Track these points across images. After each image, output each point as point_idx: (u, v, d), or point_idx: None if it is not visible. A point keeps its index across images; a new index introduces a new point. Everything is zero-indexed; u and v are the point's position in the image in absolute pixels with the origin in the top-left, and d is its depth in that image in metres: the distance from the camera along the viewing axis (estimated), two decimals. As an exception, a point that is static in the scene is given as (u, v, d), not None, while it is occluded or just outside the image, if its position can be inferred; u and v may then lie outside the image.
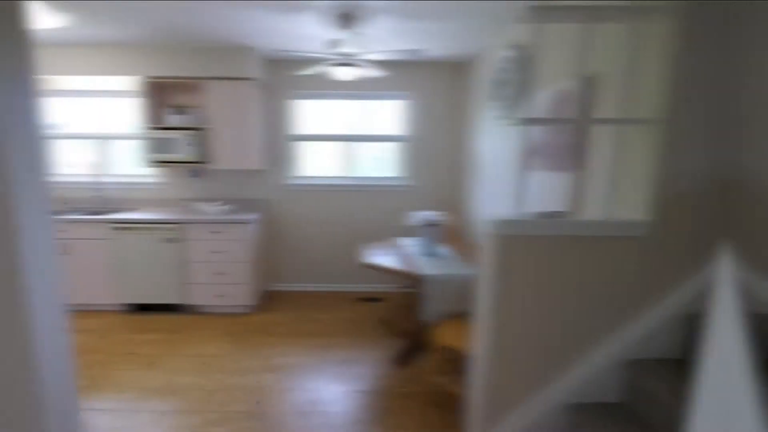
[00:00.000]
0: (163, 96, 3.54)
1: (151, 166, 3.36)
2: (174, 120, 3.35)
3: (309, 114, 3.85)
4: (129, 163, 3.75)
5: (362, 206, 3.92)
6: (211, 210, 3.27)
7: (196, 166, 3.53)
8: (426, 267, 2.50)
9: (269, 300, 3.74)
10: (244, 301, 3.34)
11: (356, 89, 3.65)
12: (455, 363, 2.59)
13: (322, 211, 3.90)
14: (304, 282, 4.04)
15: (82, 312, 3.31)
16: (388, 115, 3.90)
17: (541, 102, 2.32)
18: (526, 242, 1.53)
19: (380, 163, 4.00)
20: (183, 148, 3.24)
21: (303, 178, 3.91)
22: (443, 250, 2.92)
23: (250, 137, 3.35)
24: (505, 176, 2.82)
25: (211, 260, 3.23)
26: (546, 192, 2.31)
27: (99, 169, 3.67)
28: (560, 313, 1.60)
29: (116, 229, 3.15)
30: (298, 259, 4.00)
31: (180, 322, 3.20)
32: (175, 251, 3.20)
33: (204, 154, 3.38)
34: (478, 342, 1.72)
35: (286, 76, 3.60)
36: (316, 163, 3.94)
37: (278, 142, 3.75)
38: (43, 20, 2.51)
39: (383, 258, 2.72)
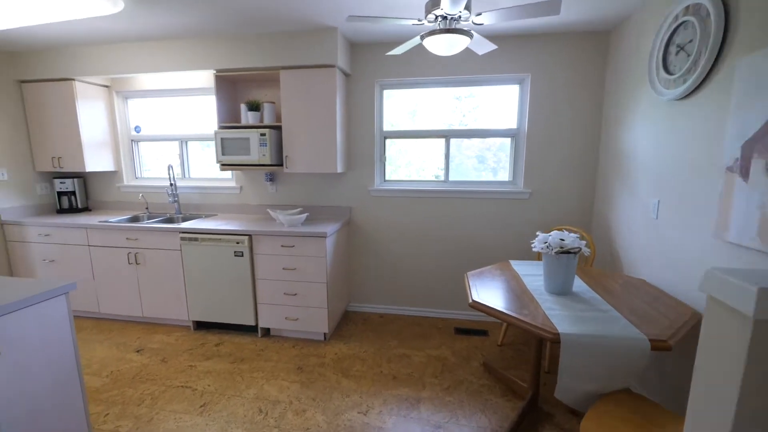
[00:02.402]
0: (237, 91, 3.17)
1: (224, 169, 2.97)
2: (248, 117, 2.94)
3: (400, 106, 3.13)
4: (206, 166, 3.49)
5: (464, 217, 3.07)
6: (286, 219, 2.73)
7: (271, 169, 3.18)
8: (560, 317, 1.60)
9: (348, 324, 3.11)
10: (318, 327, 2.74)
11: (458, 73, 2.87)
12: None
13: (414, 221, 3.15)
14: (391, 304, 3.32)
15: (152, 326, 3.07)
16: (499, 104, 2.99)
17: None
18: None
19: (488, 165, 3.13)
20: (256, 149, 2.85)
21: (392, 182, 3.22)
22: (580, 286, 2.01)
23: (330, 135, 2.77)
24: (691, 186, 1.72)
25: (282, 278, 2.72)
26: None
27: (176, 173, 3.47)
28: None
29: (184, 239, 2.81)
30: (384, 278, 3.29)
31: (247, 347, 2.73)
32: (244, 266, 2.74)
33: (278, 155, 2.95)
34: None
35: (374, 61, 2.96)
36: (408, 164, 3.23)
37: (363, 140, 3.11)
38: (97, 7, 2.16)
39: (494, 294, 1.90)
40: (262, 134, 2.81)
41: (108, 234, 2.94)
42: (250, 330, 2.97)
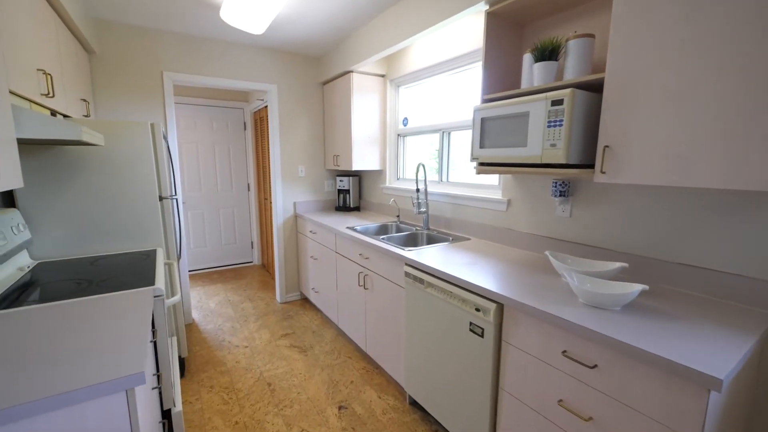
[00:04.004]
0: (522, 39, 1.77)
1: (481, 171, 1.70)
2: (533, 76, 1.49)
3: None
4: (469, 165, 2.36)
5: None
6: (584, 290, 1.22)
7: (565, 174, 1.54)
8: None
9: None
10: None
11: None
12: None
13: None
14: None
15: (371, 368, 2.30)
16: None
17: None
18: None
19: None
20: (539, 134, 1.40)
21: None
22: None
23: (743, 91, 0.90)
24: None
25: (556, 420, 1.17)
26: None
27: (424, 174, 2.53)
28: None
29: (408, 275, 1.78)
30: None
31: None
32: (483, 355, 1.41)
33: (586, 146, 1.35)
34: None
35: None
36: None
37: None
38: None
39: None
40: (555, 102, 1.32)
41: (347, 244, 2.41)
42: (482, 461, 1.61)
